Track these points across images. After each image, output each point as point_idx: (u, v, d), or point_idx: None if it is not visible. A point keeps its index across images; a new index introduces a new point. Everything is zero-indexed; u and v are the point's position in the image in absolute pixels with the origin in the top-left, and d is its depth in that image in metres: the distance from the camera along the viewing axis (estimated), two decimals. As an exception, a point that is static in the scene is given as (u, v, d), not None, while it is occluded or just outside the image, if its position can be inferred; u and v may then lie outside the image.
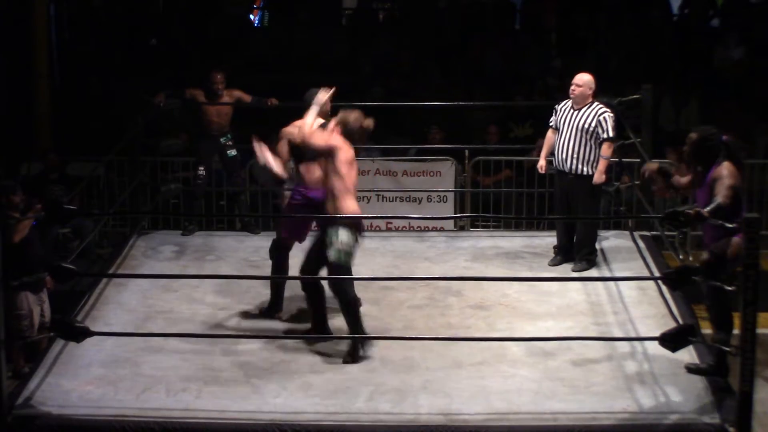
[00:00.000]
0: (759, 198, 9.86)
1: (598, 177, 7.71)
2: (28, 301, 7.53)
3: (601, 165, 7.70)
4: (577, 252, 7.87)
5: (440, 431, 5.62)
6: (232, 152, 9.08)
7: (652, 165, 6.63)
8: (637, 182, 8.83)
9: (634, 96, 8.47)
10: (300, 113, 6.73)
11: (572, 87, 7.75)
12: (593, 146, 7.68)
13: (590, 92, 7.72)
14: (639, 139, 8.37)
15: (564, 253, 7.96)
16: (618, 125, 7.87)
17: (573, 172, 7.73)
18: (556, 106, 7.91)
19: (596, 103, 7.72)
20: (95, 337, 6.05)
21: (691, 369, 6.12)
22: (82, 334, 5.95)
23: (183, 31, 13.58)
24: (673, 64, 12.55)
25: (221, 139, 9.03)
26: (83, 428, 5.72)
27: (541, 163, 8.00)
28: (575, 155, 7.70)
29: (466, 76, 12.76)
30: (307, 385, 6.06)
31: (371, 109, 10.91)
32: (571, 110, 7.75)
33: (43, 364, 6.29)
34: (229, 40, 13.31)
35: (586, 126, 7.65)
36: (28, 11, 11.88)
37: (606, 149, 7.68)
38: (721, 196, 5.87)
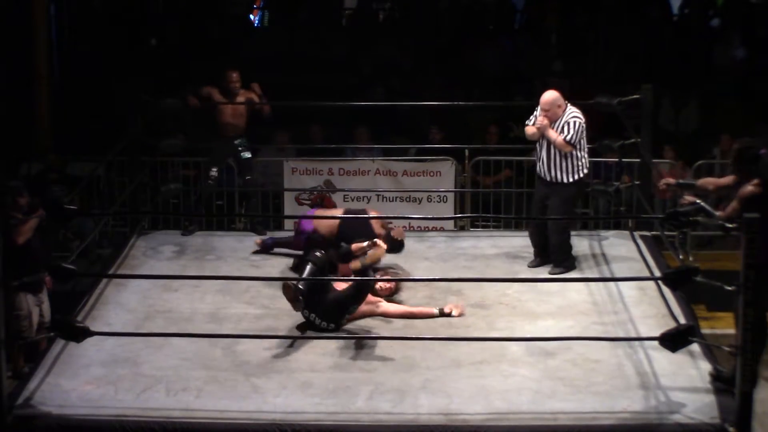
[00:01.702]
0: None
1: (540, 125, 7.62)
2: (28, 302, 7.53)
3: (557, 136, 7.58)
4: (552, 257, 7.87)
5: (440, 431, 5.63)
6: (246, 154, 8.94)
7: (670, 180, 6.65)
8: (637, 182, 8.83)
9: (634, 96, 8.47)
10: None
11: (540, 113, 7.68)
12: (566, 154, 7.67)
13: (560, 109, 7.67)
14: (639, 139, 8.37)
15: (541, 256, 7.96)
16: (587, 130, 7.72)
17: (553, 181, 7.74)
18: (536, 111, 7.82)
19: (568, 111, 7.69)
20: (95, 337, 6.05)
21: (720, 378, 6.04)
22: (82, 334, 5.95)
23: (183, 31, 13.58)
24: (673, 64, 12.56)
25: (235, 141, 8.92)
26: (83, 428, 5.72)
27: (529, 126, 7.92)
28: (551, 164, 7.70)
29: (466, 76, 12.76)
30: (307, 384, 6.06)
31: (371, 109, 11.10)
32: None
33: (43, 364, 6.28)
34: (229, 40, 13.32)
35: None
36: (28, 11, 11.88)
37: (560, 142, 7.58)
38: (725, 211, 5.95)
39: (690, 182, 6.62)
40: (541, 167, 7.79)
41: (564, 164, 7.69)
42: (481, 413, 5.74)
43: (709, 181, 6.47)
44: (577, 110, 7.71)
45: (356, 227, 7.65)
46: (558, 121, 7.67)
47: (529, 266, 7.96)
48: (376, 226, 7.67)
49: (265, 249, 8.27)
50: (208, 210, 9.89)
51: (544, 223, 7.83)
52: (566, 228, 7.86)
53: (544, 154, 7.75)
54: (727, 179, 6.43)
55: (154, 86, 11.07)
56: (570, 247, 7.90)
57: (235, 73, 8.79)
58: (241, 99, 8.81)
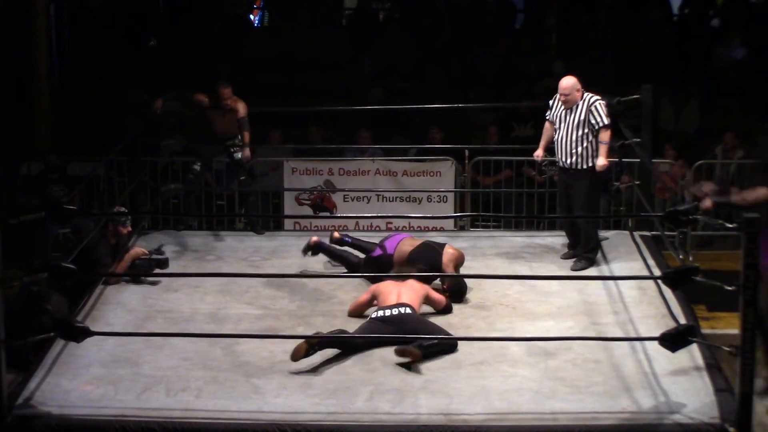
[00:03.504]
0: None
1: (601, 163, 7.70)
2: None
3: (602, 150, 7.69)
4: (579, 249, 7.90)
5: (440, 431, 5.62)
6: (239, 154, 8.98)
7: (708, 197, 6.53)
8: (637, 182, 8.83)
9: (634, 96, 8.47)
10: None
11: (560, 97, 7.77)
12: (590, 139, 7.70)
13: (578, 93, 7.74)
14: (639, 139, 8.37)
15: (574, 248, 8.02)
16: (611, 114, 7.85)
17: (572, 167, 7.77)
18: (550, 101, 7.93)
19: (586, 96, 7.74)
20: (95, 337, 6.05)
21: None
22: (82, 334, 5.95)
23: (183, 31, 13.57)
24: (673, 64, 12.56)
25: (227, 143, 8.91)
26: (83, 428, 5.72)
27: (538, 152, 8.05)
28: (573, 151, 7.73)
29: (465, 76, 12.76)
30: (307, 385, 6.05)
31: (372, 109, 11.10)
32: (564, 108, 7.78)
33: (43, 364, 6.28)
34: (229, 40, 13.31)
35: (581, 120, 7.69)
36: (28, 11, 11.88)
37: (604, 135, 7.69)
38: (740, 198, 5.96)
39: (726, 200, 6.54)
40: (558, 154, 7.82)
41: (580, 149, 7.71)
42: (481, 413, 5.73)
43: (746, 199, 6.37)
44: (594, 94, 7.78)
45: (427, 259, 7.44)
46: (577, 105, 7.70)
47: (561, 258, 8.05)
48: (448, 265, 7.46)
49: (335, 246, 8.01)
50: (208, 209, 9.89)
51: (570, 214, 7.90)
52: (597, 220, 7.92)
53: (560, 140, 7.78)
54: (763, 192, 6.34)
55: (154, 86, 11.06)
56: (596, 239, 7.93)
57: (227, 89, 8.72)
58: (232, 109, 8.75)
